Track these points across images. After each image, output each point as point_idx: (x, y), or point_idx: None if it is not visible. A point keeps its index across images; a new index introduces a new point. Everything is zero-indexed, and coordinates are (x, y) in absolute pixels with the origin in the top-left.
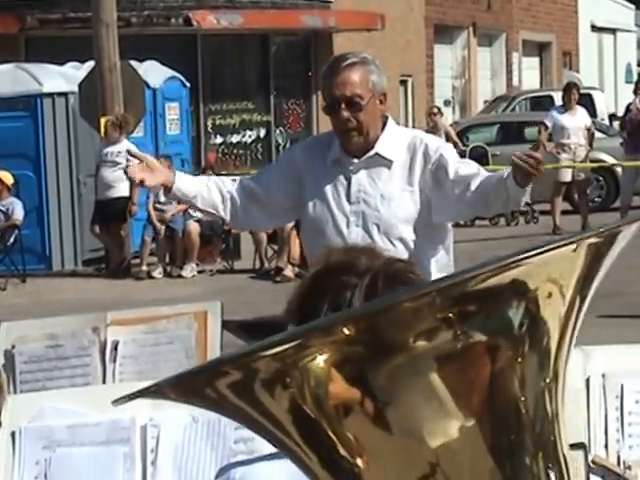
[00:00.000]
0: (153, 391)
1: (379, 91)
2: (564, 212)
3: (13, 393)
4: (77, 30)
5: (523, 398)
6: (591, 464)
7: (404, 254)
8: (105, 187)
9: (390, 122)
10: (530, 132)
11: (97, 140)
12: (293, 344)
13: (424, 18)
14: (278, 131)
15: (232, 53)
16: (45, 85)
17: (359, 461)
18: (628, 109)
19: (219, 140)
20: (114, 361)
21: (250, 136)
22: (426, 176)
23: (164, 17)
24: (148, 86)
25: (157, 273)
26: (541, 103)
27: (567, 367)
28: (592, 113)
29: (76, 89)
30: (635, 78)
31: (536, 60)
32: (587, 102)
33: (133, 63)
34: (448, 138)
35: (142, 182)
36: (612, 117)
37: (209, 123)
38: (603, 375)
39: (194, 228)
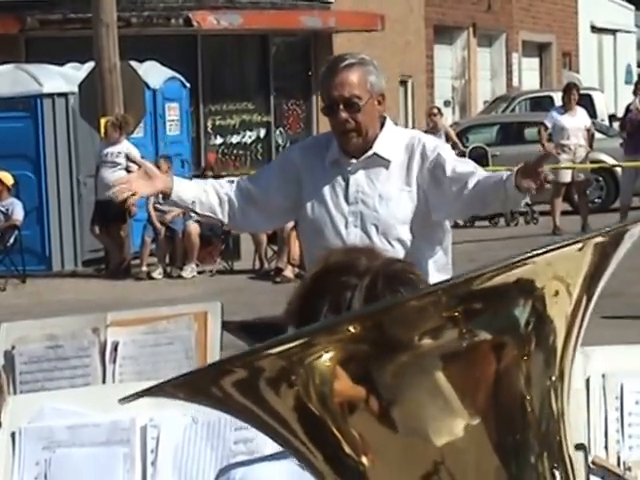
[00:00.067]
0: (159, 390)
1: (377, 92)
2: (564, 213)
3: (13, 394)
4: (77, 31)
5: (529, 397)
6: (591, 465)
7: (402, 255)
8: (105, 187)
9: (388, 122)
10: (530, 133)
11: (97, 141)
12: (299, 342)
13: (424, 19)
14: (278, 132)
15: (232, 54)
16: (45, 85)
17: (364, 459)
18: (628, 110)
19: (219, 141)
20: (114, 362)
21: (250, 137)
22: (424, 175)
23: (164, 17)
24: (148, 87)
25: (157, 274)
26: (541, 104)
27: (573, 366)
28: (592, 114)
29: (76, 90)
30: (635, 79)
31: (536, 61)
32: (587, 103)
33: (133, 64)
34: (448, 138)
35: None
36: (612, 118)
37: (209, 124)
38: (603, 375)
39: (194, 229)
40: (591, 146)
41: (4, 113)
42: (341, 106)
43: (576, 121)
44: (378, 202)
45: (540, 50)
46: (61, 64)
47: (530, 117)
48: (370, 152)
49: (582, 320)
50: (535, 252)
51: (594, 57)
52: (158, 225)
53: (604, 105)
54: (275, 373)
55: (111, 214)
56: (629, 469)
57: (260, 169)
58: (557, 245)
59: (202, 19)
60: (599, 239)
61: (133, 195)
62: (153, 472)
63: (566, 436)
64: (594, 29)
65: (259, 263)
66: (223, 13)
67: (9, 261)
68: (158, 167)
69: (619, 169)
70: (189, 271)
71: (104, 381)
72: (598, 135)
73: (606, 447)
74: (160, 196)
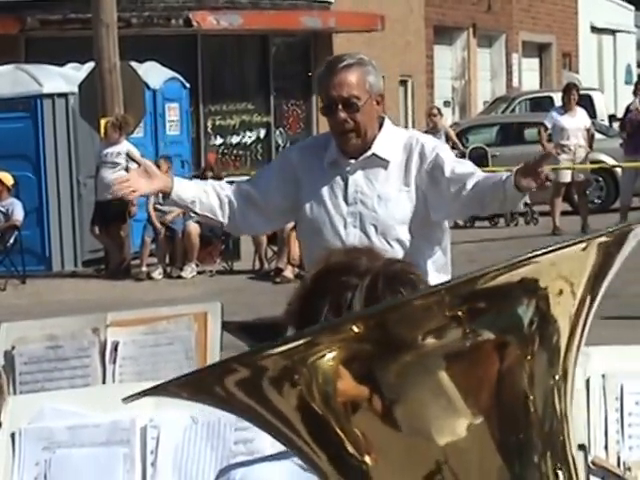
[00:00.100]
0: (164, 389)
1: (376, 92)
2: (564, 213)
3: (13, 394)
4: (77, 31)
5: (532, 396)
6: (591, 465)
7: (401, 255)
8: (105, 188)
9: (387, 123)
10: (530, 133)
11: (97, 141)
12: (302, 342)
13: (424, 19)
14: (278, 132)
15: (232, 54)
16: (45, 86)
17: (367, 458)
18: (628, 110)
19: (219, 141)
20: (114, 362)
21: (250, 137)
22: (422, 175)
23: (164, 18)
24: (148, 87)
25: (157, 274)
26: (541, 104)
27: (576, 366)
28: (592, 114)
29: (76, 90)
30: (635, 79)
31: (536, 61)
32: (587, 103)
33: (133, 64)
34: (448, 139)
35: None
36: (612, 118)
37: (209, 124)
38: (603, 376)
39: (194, 229)
40: (591, 146)
41: (4, 113)
42: (340, 106)
43: (576, 121)
44: (377, 202)
45: (540, 50)
46: (61, 64)
47: (530, 117)
48: (369, 152)
49: (586, 320)
50: (539, 252)
51: (594, 57)
52: (158, 225)
53: (604, 105)
54: (279, 373)
55: (111, 214)
56: (629, 469)
57: (260, 170)
58: (561, 245)
59: (202, 19)
60: (603, 239)
61: (133, 192)
62: (153, 472)
63: (569, 436)
64: (594, 29)
65: (259, 263)
66: (223, 13)
67: (9, 261)
68: (158, 167)
69: (619, 169)
70: (189, 271)
71: (104, 381)
72: (598, 135)
73: (606, 447)
74: (160, 196)
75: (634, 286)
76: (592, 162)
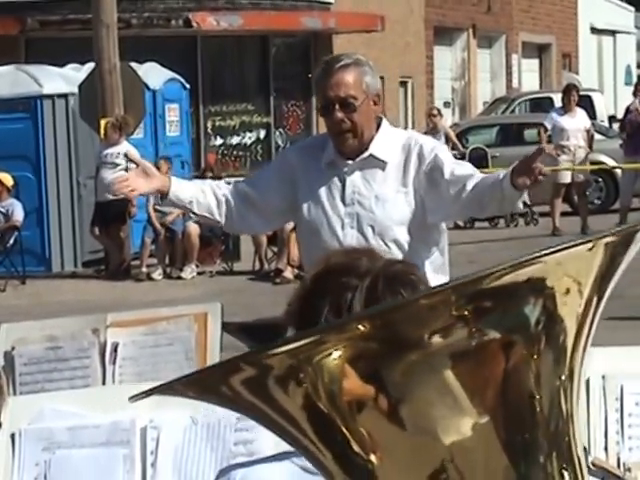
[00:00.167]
0: (169, 388)
1: (373, 92)
2: (564, 214)
3: (13, 395)
4: (77, 32)
5: (538, 396)
6: (591, 466)
7: (399, 256)
8: (105, 189)
9: (384, 123)
10: (530, 134)
11: (97, 142)
12: (309, 341)
13: (424, 20)
14: (278, 133)
15: (232, 54)
16: (45, 87)
17: (373, 458)
18: (628, 111)
19: (219, 142)
20: (114, 363)
21: (250, 138)
22: (420, 177)
23: (164, 19)
24: (148, 88)
25: (157, 275)
26: (541, 105)
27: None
28: (592, 115)
29: (76, 91)
30: (635, 80)
31: (536, 62)
32: (587, 104)
33: (133, 65)
34: (448, 140)
35: (132, 191)
36: (611, 119)
37: (209, 125)
38: (603, 377)
39: (194, 229)
40: (591, 147)
41: (4, 114)
42: (337, 106)
43: (576, 122)
44: (374, 203)
45: (540, 51)
46: (61, 65)
47: (530, 118)
48: (366, 153)
49: (592, 320)
50: (545, 251)
51: (594, 58)
52: (158, 226)
53: (604, 106)
54: (285, 371)
55: (111, 215)
56: (629, 470)
57: (259, 170)
58: (567, 244)
59: (202, 20)
60: (609, 239)
61: (132, 192)
62: (153, 473)
63: (575, 436)
64: (594, 30)
65: (259, 264)
66: (223, 14)
67: (9, 262)
68: (158, 168)
69: (619, 170)
70: (189, 272)
71: (104, 382)
72: (598, 136)
73: (606, 448)
74: (158, 196)
75: (636, 287)
76: (592, 163)
